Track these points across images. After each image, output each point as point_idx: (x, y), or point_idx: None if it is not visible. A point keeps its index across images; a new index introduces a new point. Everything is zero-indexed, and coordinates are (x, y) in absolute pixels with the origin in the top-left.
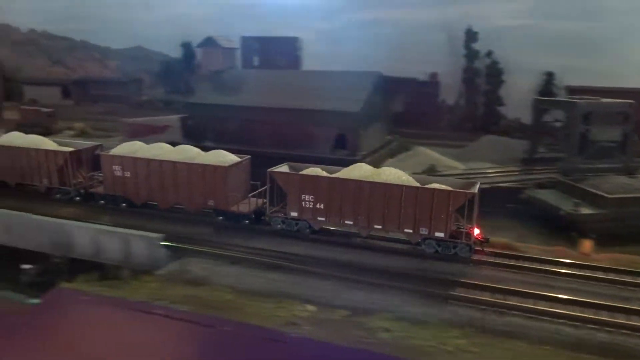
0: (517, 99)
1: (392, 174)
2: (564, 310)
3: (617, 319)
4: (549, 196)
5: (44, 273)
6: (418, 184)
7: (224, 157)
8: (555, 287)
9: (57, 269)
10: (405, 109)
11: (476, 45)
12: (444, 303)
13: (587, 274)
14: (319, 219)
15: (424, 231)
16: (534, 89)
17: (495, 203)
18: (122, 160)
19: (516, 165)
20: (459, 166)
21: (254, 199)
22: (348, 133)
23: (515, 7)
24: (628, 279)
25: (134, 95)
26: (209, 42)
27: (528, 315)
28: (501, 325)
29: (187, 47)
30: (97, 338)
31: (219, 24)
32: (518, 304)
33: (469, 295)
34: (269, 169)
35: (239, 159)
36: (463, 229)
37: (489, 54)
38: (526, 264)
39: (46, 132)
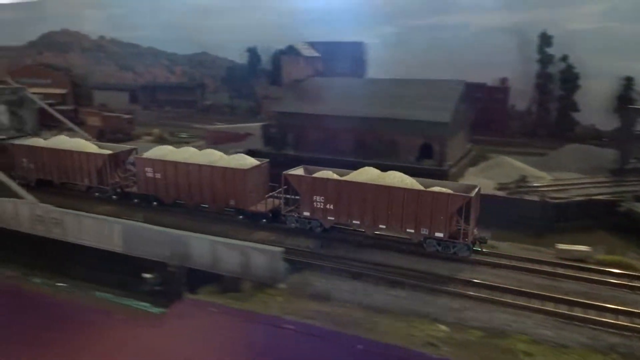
0: (593, 104)
1: (396, 177)
2: None
3: None
4: None
5: (163, 282)
6: (421, 187)
7: (244, 160)
8: None
9: (175, 278)
10: (475, 115)
11: (550, 50)
12: (581, 326)
13: None
14: (329, 218)
15: (424, 231)
16: (611, 95)
17: (592, 216)
18: (154, 162)
19: (605, 176)
20: (545, 176)
21: (271, 200)
22: (435, 142)
23: (589, 10)
24: None
25: (198, 100)
26: (291, 51)
27: None
28: None
29: (252, 52)
30: (228, 350)
31: (281, 30)
32: None
33: (611, 321)
34: (284, 172)
35: (258, 162)
36: (461, 229)
37: (564, 58)
38: None
39: (126, 138)
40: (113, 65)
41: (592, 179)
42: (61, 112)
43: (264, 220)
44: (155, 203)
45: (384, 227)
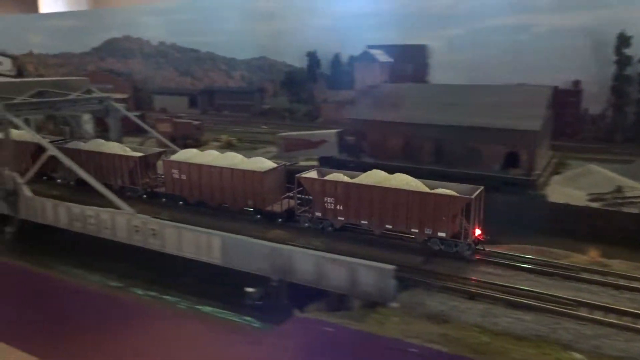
0: None
1: (402, 179)
2: None
3: None
4: None
5: (265, 297)
6: (426, 189)
7: (262, 164)
8: None
9: (277, 293)
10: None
11: (628, 51)
12: None
13: None
14: (339, 218)
15: (428, 231)
16: None
17: None
18: (180, 165)
19: None
20: (638, 186)
21: (286, 200)
22: (522, 151)
23: None
24: None
25: (257, 104)
26: (366, 57)
27: None
28: None
29: (311, 57)
30: None
31: (341, 34)
32: None
33: None
34: (297, 175)
35: (275, 165)
36: (462, 229)
37: None
38: None
39: (195, 144)
40: (172, 70)
41: None
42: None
43: (280, 219)
44: (181, 202)
45: (390, 227)
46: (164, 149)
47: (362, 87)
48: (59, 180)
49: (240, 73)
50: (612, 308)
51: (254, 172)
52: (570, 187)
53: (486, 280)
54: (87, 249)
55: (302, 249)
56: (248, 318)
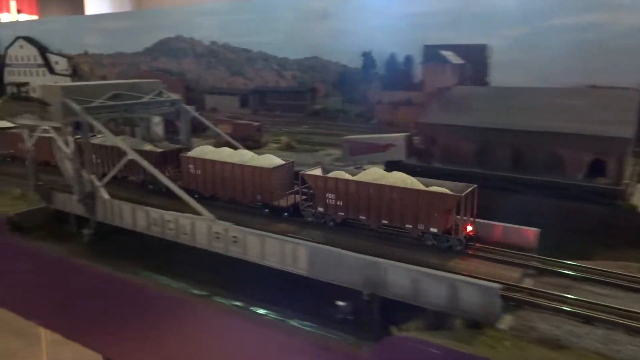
0: None
1: (398, 177)
2: None
3: None
4: None
5: (356, 311)
6: (422, 187)
7: (271, 161)
8: None
9: (368, 308)
10: None
11: None
12: None
13: None
14: (339, 213)
15: (421, 227)
16: None
17: None
18: (195, 161)
19: None
20: None
21: (292, 196)
22: (610, 159)
23: None
24: None
25: (308, 105)
26: (436, 58)
27: None
28: None
29: (367, 57)
30: None
31: (398, 34)
32: None
33: None
34: (301, 172)
35: (283, 162)
36: (453, 225)
37: None
38: None
39: (255, 146)
40: (224, 69)
41: None
42: None
43: (286, 214)
44: (196, 196)
45: (386, 222)
46: (182, 146)
47: (431, 90)
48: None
49: (292, 73)
50: None
51: (262, 168)
52: None
53: (600, 303)
54: (166, 253)
55: (397, 263)
56: (339, 333)
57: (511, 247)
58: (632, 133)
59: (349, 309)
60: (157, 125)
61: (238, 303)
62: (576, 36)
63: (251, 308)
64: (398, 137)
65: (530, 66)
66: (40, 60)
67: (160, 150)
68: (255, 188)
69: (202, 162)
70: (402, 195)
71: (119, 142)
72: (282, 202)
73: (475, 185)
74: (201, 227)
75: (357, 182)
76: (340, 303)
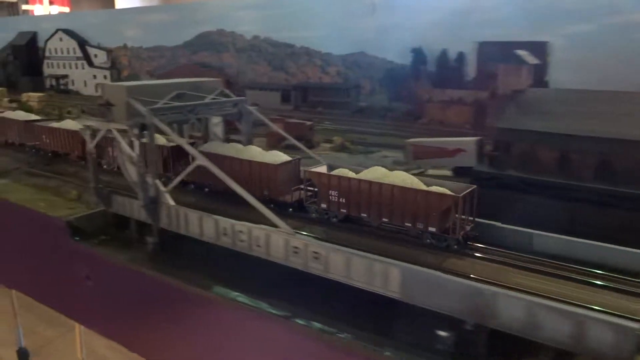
0: None
1: (399, 176)
2: None
3: None
4: None
5: (459, 343)
6: (422, 187)
7: (278, 157)
8: None
9: (474, 340)
10: None
11: None
12: None
13: None
14: (341, 210)
15: (420, 225)
16: None
17: None
18: (207, 156)
19: None
20: None
21: (297, 192)
22: None
23: None
24: None
25: (352, 102)
26: (511, 58)
27: None
28: None
29: (417, 53)
30: None
31: (450, 30)
32: None
33: None
34: (306, 169)
35: (289, 159)
36: (452, 225)
37: None
38: None
39: (308, 146)
40: (265, 64)
41: None
42: None
43: (290, 209)
44: (207, 189)
45: (386, 220)
46: (194, 141)
47: (504, 92)
48: (104, 167)
49: (336, 69)
50: None
51: (268, 164)
52: None
53: None
54: (235, 265)
55: (509, 291)
56: None
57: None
58: None
59: (452, 340)
60: (217, 126)
61: (319, 325)
62: None
63: (338, 334)
64: (468, 141)
65: (592, 66)
66: (79, 53)
67: (172, 144)
68: (262, 183)
69: (213, 158)
70: (402, 194)
71: (187, 146)
72: (287, 198)
73: (475, 186)
74: (277, 241)
75: (359, 180)
76: (442, 333)
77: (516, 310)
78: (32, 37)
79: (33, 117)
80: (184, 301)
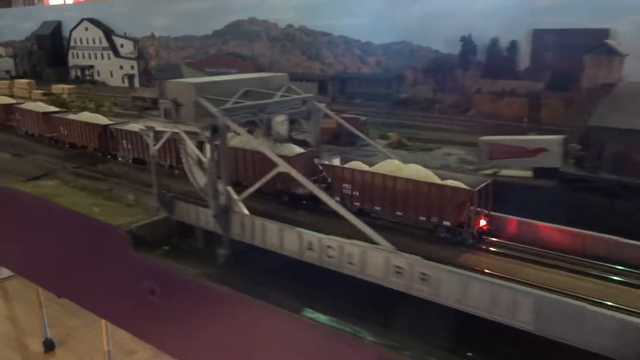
0: None
1: (413, 169)
2: None
3: None
4: None
5: None
6: (436, 180)
7: (291, 149)
8: None
9: None
10: None
11: None
12: None
13: None
14: (355, 203)
15: (434, 219)
16: None
17: None
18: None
19: None
20: None
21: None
22: None
23: None
24: None
25: (394, 93)
26: (601, 48)
27: None
28: None
29: (466, 42)
30: None
31: (501, 17)
32: None
33: None
34: (319, 161)
35: (302, 151)
36: (466, 219)
37: None
38: None
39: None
40: (300, 54)
41: None
42: None
43: (304, 202)
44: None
45: (400, 213)
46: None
47: (591, 85)
48: (120, 159)
49: (376, 58)
50: None
51: (282, 157)
52: None
53: None
54: (319, 281)
55: None
56: None
57: (527, 242)
58: None
59: None
60: (281, 125)
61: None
62: None
63: None
64: (553, 140)
65: None
66: (105, 43)
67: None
68: (275, 176)
69: (234, 151)
70: (416, 187)
71: (268, 151)
72: (301, 190)
73: (490, 180)
74: (376, 259)
75: (373, 173)
76: None
77: None
78: (57, 27)
79: (52, 108)
80: (270, 323)
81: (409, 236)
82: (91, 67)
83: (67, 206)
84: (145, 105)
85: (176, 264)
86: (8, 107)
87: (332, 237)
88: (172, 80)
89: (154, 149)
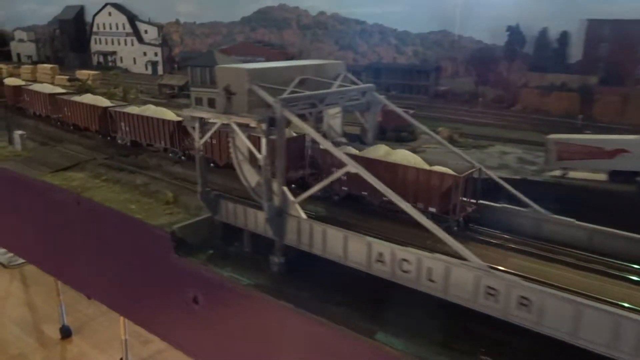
0: None
1: (402, 155)
2: None
3: None
4: None
5: None
6: (426, 166)
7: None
8: None
9: None
10: None
11: None
12: None
13: None
14: (343, 188)
15: (420, 205)
16: None
17: None
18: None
19: None
20: None
21: (302, 170)
22: None
23: None
24: None
25: (432, 85)
26: None
27: None
28: None
29: (513, 32)
30: None
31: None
32: None
33: None
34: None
35: (294, 135)
36: (451, 206)
37: None
38: None
39: (409, 138)
40: (332, 43)
41: None
42: None
43: (293, 185)
44: (212, 164)
45: (387, 199)
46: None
47: None
48: (119, 141)
49: (413, 49)
50: None
51: (274, 140)
52: None
53: None
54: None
55: None
56: None
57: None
58: None
59: None
60: (335, 118)
61: None
62: None
63: None
64: (633, 140)
65: None
66: (128, 29)
67: (179, 119)
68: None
69: (219, 133)
70: (403, 173)
71: (335, 149)
72: (292, 174)
73: (479, 167)
74: (464, 278)
75: (359, 158)
76: None
77: None
78: (80, 11)
79: (58, 89)
80: (340, 347)
81: (397, 222)
82: (114, 53)
83: (99, 202)
84: (173, 92)
85: (223, 271)
86: (17, 89)
87: (408, 248)
88: (222, 65)
89: (199, 143)
